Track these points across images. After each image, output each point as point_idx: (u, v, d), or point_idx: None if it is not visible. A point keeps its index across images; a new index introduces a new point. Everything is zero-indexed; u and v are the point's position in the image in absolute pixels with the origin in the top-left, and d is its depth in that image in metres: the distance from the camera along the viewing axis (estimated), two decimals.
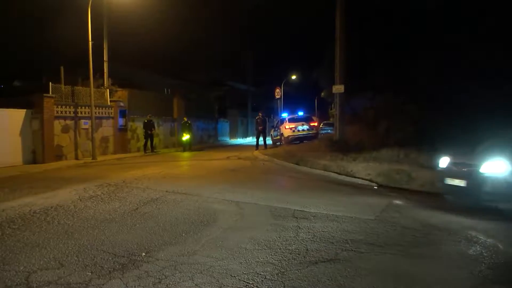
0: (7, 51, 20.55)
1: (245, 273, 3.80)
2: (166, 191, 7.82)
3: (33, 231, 5.11)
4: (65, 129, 13.97)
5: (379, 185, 9.23)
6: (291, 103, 39.27)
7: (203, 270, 3.86)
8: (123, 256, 4.21)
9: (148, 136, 17.45)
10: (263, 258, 4.20)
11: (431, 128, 12.99)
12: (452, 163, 7.03)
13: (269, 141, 21.02)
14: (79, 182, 8.98)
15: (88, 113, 14.52)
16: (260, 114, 19.29)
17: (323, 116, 38.76)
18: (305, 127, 21.19)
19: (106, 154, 15.99)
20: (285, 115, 25.84)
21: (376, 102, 16.65)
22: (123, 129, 16.90)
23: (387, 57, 15.91)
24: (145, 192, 7.76)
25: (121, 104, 16.93)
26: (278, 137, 22.37)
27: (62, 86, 14.38)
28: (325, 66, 19.20)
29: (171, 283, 3.56)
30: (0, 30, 19.69)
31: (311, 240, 4.82)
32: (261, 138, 19.19)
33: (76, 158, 14.30)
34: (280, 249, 4.50)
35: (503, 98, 11.37)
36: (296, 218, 5.90)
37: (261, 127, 18.94)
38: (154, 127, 17.76)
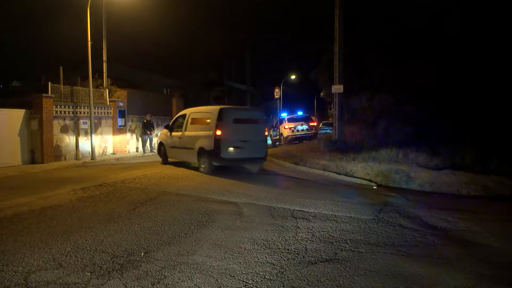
0: (6, 51, 20.55)
1: (244, 273, 3.79)
2: (165, 191, 7.81)
3: (32, 231, 5.09)
4: (64, 129, 13.95)
5: (378, 185, 9.25)
6: (290, 103, 39.31)
7: (202, 270, 3.86)
8: (122, 256, 4.20)
9: (148, 136, 17.46)
10: (262, 258, 4.20)
11: (430, 128, 13.02)
12: None
13: (268, 141, 20.98)
14: (78, 182, 8.97)
15: (87, 113, 14.51)
16: None
17: (322, 116, 38.83)
18: (304, 127, 21.20)
19: (105, 154, 15.98)
20: (284, 115, 25.85)
21: (375, 102, 16.65)
22: (122, 129, 16.88)
23: (386, 57, 15.93)
24: (144, 192, 7.74)
25: (120, 104, 16.90)
26: (277, 137, 22.37)
27: (61, 86, 14.35)
28: (324, 66, 19.22)
29: (170, 283, 3.56)
30: None
31: (310, 240, 4.82)
32: None
33: (75, 158, 14.28)
34: (279, 249, 4.50)
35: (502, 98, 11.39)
36: (295, 218, 5.89)
37: None
38: (153, 127, 17.75)
